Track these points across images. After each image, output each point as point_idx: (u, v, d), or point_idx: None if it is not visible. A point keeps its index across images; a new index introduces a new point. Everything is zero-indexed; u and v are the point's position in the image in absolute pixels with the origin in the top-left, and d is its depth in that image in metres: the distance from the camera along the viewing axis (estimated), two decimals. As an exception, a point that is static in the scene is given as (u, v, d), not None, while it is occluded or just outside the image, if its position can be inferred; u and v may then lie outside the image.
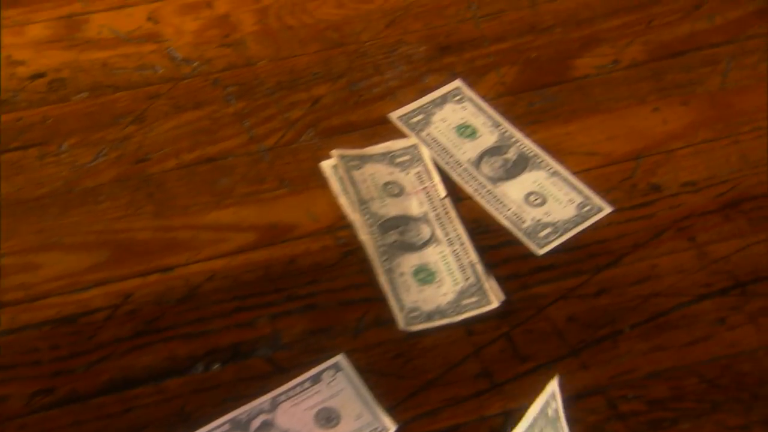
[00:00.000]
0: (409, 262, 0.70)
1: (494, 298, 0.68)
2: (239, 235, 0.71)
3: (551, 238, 0.71)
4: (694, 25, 0.83)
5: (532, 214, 0.72)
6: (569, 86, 0.79)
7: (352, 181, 0.73)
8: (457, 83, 0.78)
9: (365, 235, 0.70)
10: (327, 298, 0.68)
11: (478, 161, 0.75)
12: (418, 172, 0.74)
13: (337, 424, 0.63)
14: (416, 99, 0.77)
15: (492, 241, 0.71)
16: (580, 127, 0.77)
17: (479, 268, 0.69)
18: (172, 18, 0.82)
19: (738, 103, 0.79)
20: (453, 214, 0.72)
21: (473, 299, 0.69)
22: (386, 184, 0.73)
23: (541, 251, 0.70)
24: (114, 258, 0.69)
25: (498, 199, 0.73)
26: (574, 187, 0.74)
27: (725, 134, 0.77)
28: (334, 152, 0.74)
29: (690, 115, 0.78)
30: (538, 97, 0.79)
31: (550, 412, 0.55)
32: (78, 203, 0.72)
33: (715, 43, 0.81)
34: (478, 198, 0.73)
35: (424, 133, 0.76)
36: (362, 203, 0.72)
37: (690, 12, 0.83)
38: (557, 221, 0.72)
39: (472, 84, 0.79)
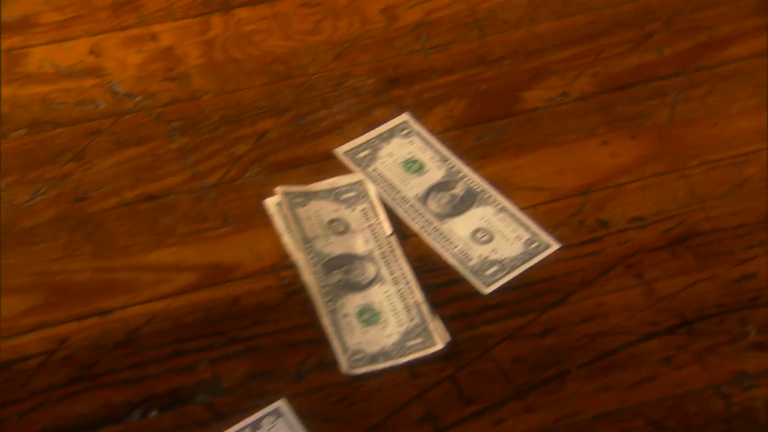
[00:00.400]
0: (354, 302, 0.69)
1: (439, 340, 0.67)
2: (180, 276, 0.69)
3: (498, 276, 0.71)
4: (643, 57, 0.82)
5: (478, 252, 0.71)
6: (518, 119, 0.79)
7: (296, 218, 0.72)
8: (404, 117, 0.77)
9: (309, 275, 0.69)
10: (269, 341, 0.67)
11: (425, 197, 0.74)
12: (363, 209, 0.73)
13: (277, 472, 0.62)
14: (363, 133, 0.76)
15: (438, 280, 0.70)
16: (528, 161, 0.77)
17: (424, 308, 0.68)
18: (115, 51, 0.81)
19: (686, 136, 0.78)
20: (399, 252, 0.71)
21: (418, 340, 0.68)
22: (331, 221, 0.72)
23: (488, 290, 0.69)
24: (50, 301, 0.68)
25: (444, 236, 0.72)
26: (522, 224, 0.73)
27: (673, 168, 0.77)
28: (279, 189, 0.72)
29: (639, 148, 0.78)
30: (486, 131, 0.78)
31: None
32: (14, 244, 0.70)
33: (663, 75, 0.80)
34: (424, 235, 0.72)
35: (370, 169, 0.75)
36: (306, 241, 0.70)
37: (639, 43, 0.83)
38: (504, 258, 0.71)
39: (420, 117, 0.78)
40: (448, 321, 0.68)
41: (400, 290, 0.69)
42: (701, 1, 0.84)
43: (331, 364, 0.66)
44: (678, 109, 0.79)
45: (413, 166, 0.76)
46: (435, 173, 0.75)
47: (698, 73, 0.81)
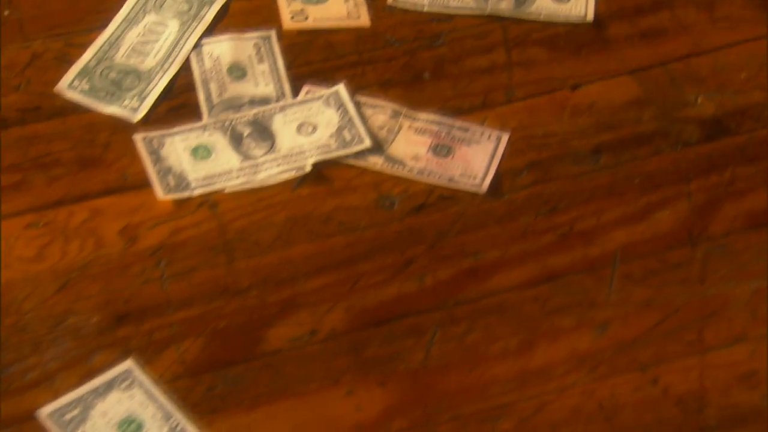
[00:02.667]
0: None
1: None
2: None
3: None
4: (402, 287, 0.76)
5: None
6: (257, 364, 0.71)
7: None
8: (128, 364, 0.69)
9: None
10: None
11: (139, 464, 0.68)
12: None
13: None
14: (78, 385, 0.68)
15: None
16: (264, 415, 0.69)
17: None
18: None
19: (440, 383, 0.72)
20: None
21: None
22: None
23: None
24: None
25: None
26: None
27: (422, 423, 0.70)
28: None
29: (386, 398, 0.71)
30: (220, 380, 0.71)
31: None
32: None
33: (422, 310, 0.74)
34: None
35: (78, 433, 0.68)
36: None
37: (399, 270, 0.77)
38: None
39: (147, 362, 0.70)
40: None
41: None
42: (469, 222, 0.79)
43: None
44: (434, 351, 0.73)
45: (130, 427, 0.67)
46: (155, 434, 0.69)
47: (459, 307, 0.75)
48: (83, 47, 0.85)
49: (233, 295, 0.74)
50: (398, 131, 0.85)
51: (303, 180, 0.80)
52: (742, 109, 0.84)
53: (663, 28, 0.90)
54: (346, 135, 0.83)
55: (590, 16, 0.90)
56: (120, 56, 0.85)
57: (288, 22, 0.90)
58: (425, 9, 0.91)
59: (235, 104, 0.84)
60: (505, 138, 0.84)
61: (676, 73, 0.87)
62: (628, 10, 0.91)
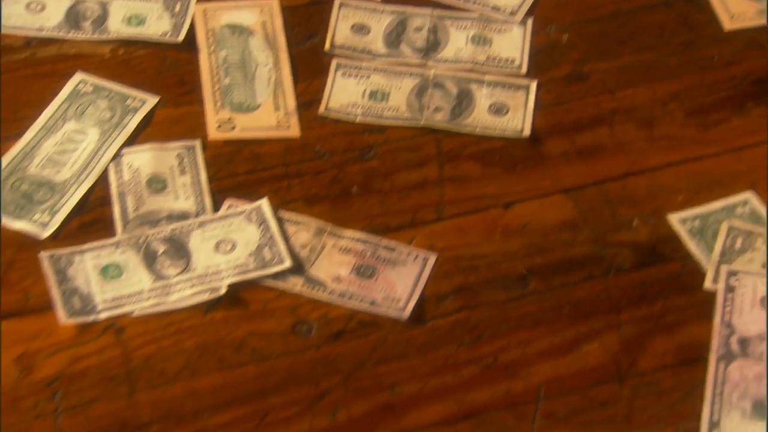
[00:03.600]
0: None
1: None
2: None
3: None
4: (314, 422, 0.71)
5: None
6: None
7: None
8: (13, 507, 0.69)
9: None
10: None
11: None
12: None
13: None
14: None
15: None
16: None
17: None
18: None
19: None
20: None
21: None
22: None
23: None
24: None
25: None
26: None
27: None
28: None
29: None
30: None
31: None
32: None
33: (334, 456, 0.73)
34: None
35: None
36: None
37: (312, 403, 0.72)
38: None
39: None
40: None
41: None
42: (388, 351, 0.75)
43: None
44: (342, 495, 0.71)
45: None
46: None
47: (370, 448, 0.73)
48: (-4, 157, 0.84)
49: (132, 430, 0.71)
50: (321, 250, 0.82)
51: (217, 303, 0.77)
52: (678, 234, 0.82)
53: (601, 145, 0.87)
54: (266, 254, 0.80)
55: (527, 131, 0.88)
56: (34, 167, 0.82)
57: (214, 132, 0.87)
58: (357, 119, 0.89)
59: (152, 219, 0.81)
60: (432, 260, 0.81)
61: (611, 193, 0.85)
62: (567, 126, 0.88)
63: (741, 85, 0.89)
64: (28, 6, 0.91)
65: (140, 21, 0.91)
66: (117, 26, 0.90)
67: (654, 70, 0.91)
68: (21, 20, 0.91)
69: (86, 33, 0.90)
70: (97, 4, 0.91)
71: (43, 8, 0.91)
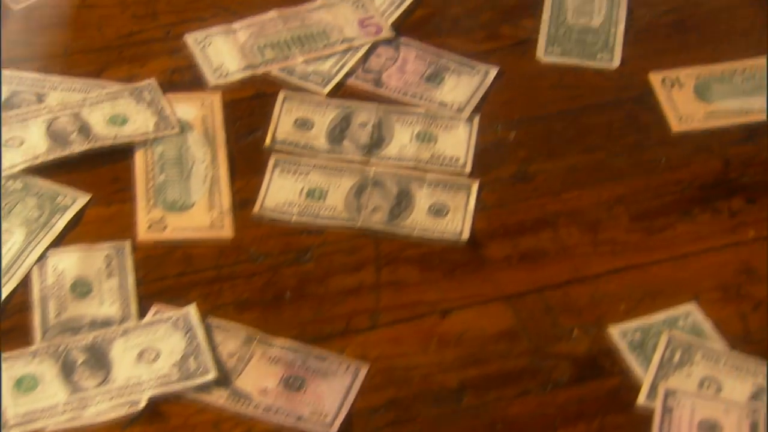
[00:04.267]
0: None
1: None
2: None
3: None
4: None
5: None
6: None
7: None
8: None
9: None
10: None
11: None
12: None
13: None
14: None
15: None
16: None
17: None
18: None
19: None
20: None
21: None
22: None
23: None
24: None
25: None
26: None
27: None
28: None
29: None
30: None
31: None
32: None
33: None
34: None
35: None
36: None
37: None
38: None
39: None
40: None
41: None
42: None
43: None
44: None
45: None
46: None
47: None
48: None
49: None
50: (249, 360, 0.79)
51: (136, 417, 0.74)
52: (618, 347, 0.79)
53: (543, 249, 0.85)
54: (191, 364, 0.77)
55: (465, 234, 0.85)
56: (-47, 270, 0.82)
57: (144, 232, 0.84)
58: (293, 219, 0.86)
59: (73, 326, 0.78)
60: (363, 371, 0.77)
61: (553, 301, 0.82)
62: (510, 228, 0.86)
63: (687, 189, 0.88)
64: (6, 143, 0.86)
65: (123, 120, 0.89)
66: (102, 129, 0.88)
67: (600, 171, 0.90)
68: (16, 158, 0.85)
69: (81, 145, 0.86)
70: (71, 117, 0.90)
71: (22, 142, 0.87)
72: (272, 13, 0.98)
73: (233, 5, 1.00)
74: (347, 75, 0.94)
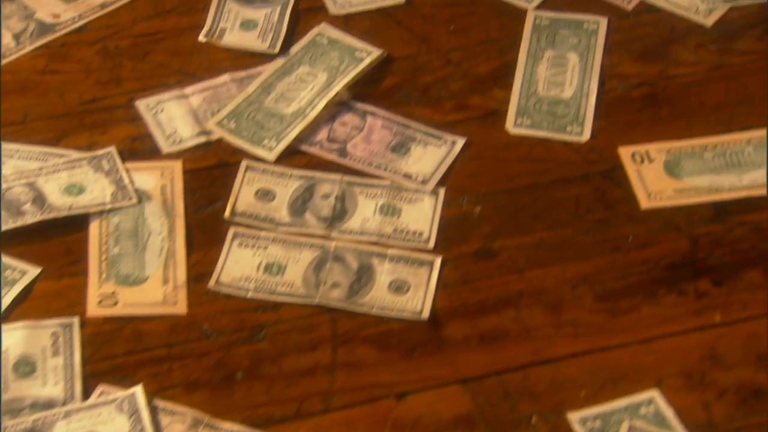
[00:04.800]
0: None
1: None
2: None
3: None
4: None
5: None
6: None
7: None
8: None
9: None
10: None
11: None
12: None
13: None
14: None
15: None
16: None
17: None
18: None
19: None
20: None
21: None
22: None
23: None
24: None
25: None
26: None
27: None
28: None
29: None
30: None
31: None
32: None
33: None
34: None
35: None
36: None
37: None
38: None
39: None
40: None
41: None
42: None
43: None
44: None
45: None
46: None
47: None
48: None
49: None
50: (195, 445, 0.77)
51: (73, 505, 0.73)
52: (577, 438, 0.77)
53: (505, 330, 0.82)
54: (134, 449, 0.76)
55: (426, 313, 0.82)
56: None
57: (94, 308, 0.82)
58: (249, 295, 0.84)
59: (14, 407, 0.75)
60: (312, 458, 0.77)
61: (512, 385, 0.79)
62: (471, 307, 0.83)
63: (654, 269, 0.85)
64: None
65: (80, 190, 0.88)
66: (57, 200, 0.86)
67: (566, 248, 0.87)
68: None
69: (34, 216, 0.84)
70: (26, 186, 0.88)
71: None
72: (225, 77, 0.99)
73: (199, 71, 0.99)
74: (303, 141, 0.93)
